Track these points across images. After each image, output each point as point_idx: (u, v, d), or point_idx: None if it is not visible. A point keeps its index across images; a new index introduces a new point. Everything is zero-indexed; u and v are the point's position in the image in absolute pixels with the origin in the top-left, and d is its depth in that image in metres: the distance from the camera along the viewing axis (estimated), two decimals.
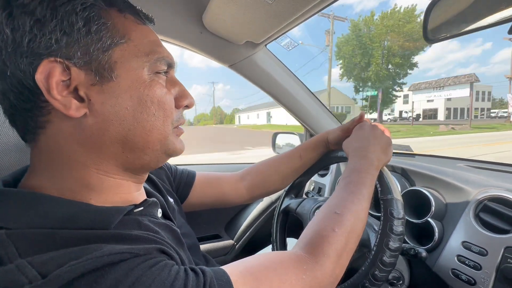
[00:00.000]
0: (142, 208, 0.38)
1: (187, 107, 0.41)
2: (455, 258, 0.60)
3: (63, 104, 0.31)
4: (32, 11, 0.29)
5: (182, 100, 0.40)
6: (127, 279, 0.25)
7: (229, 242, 1.16)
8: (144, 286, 0.25)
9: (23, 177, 0.35)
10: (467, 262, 0.57)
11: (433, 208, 0.66)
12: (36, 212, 0.30)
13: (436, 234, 0.64)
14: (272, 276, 0.35)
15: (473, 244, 0.58)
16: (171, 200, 0.54)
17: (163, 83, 0.37)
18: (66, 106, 0.31)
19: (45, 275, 0.24)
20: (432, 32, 0.45)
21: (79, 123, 0.32)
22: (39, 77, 0.30)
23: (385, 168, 0.56)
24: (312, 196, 1.08)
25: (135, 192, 0.40)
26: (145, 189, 0.46)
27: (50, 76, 0.30)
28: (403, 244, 0.51)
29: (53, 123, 0.32)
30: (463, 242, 0.60)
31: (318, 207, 0.69)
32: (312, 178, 1.20)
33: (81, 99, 0.32)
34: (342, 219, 0.44)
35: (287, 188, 0.78)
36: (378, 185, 0.53)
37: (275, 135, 1.39)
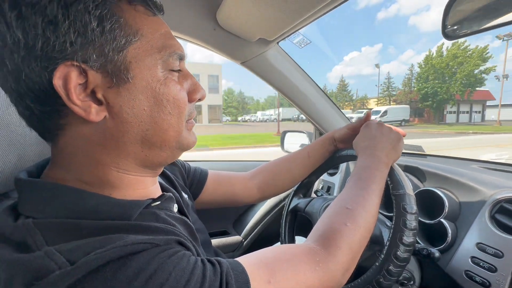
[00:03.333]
0: (159, 202, 0.39)
1: (199, 100, 0.41)
2: (469, 260, 0.59)
3: (83, 109, 0.30)
4: (43, 11, 0.27)
5: (194, 93, 0.40)
6: (149, 267, 0.26)
7: (237, 238, 1.17)
8: (165, 273, 0.26)
9: (45, 167, 0.36)
10: (481, 264, 0.56)
11: (446, 209, 0.65)
12: (60, 203, 0.31)
13: (449, 235, 0.63)
14: (286, 267, 0.35)
15: (488, 246, 0.57)
16: (185, 196, 0.55)
17: (176, 79, 0.37)
18: (86, 111, 0.31)
19: (73, 262, 0.25)
20: (452, 29, 0.44)
21: (98, 126, 0.32)
22: (57, 82, 0.29)
23: (395, 164, 0.56)
24: (321, 195, 1.07)
25: (151, 187, 0.41)
26: (161, 184, 0.47)
27: (68, 81, 0.29)
28: (415, 245, 0.50)
29: (71, 125, 0.32)
30: (478, 243, 0.59)
31: (328, 206, 0.69)
32: (322, 177, 1.19)
33: (99, 102, 0.32)
34: (354, 214, 0.44)
35: (295, 187, 0.78)
36: (389, 181, 0.53)
37: (284, 133, 1.38)
